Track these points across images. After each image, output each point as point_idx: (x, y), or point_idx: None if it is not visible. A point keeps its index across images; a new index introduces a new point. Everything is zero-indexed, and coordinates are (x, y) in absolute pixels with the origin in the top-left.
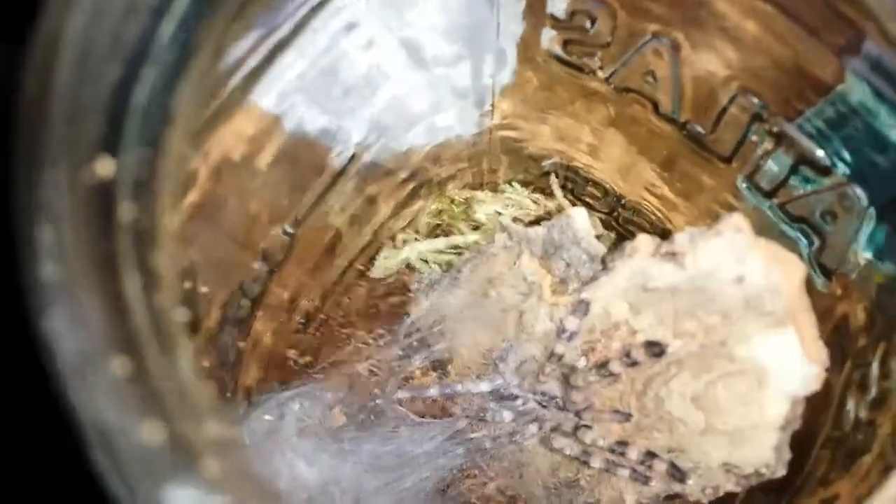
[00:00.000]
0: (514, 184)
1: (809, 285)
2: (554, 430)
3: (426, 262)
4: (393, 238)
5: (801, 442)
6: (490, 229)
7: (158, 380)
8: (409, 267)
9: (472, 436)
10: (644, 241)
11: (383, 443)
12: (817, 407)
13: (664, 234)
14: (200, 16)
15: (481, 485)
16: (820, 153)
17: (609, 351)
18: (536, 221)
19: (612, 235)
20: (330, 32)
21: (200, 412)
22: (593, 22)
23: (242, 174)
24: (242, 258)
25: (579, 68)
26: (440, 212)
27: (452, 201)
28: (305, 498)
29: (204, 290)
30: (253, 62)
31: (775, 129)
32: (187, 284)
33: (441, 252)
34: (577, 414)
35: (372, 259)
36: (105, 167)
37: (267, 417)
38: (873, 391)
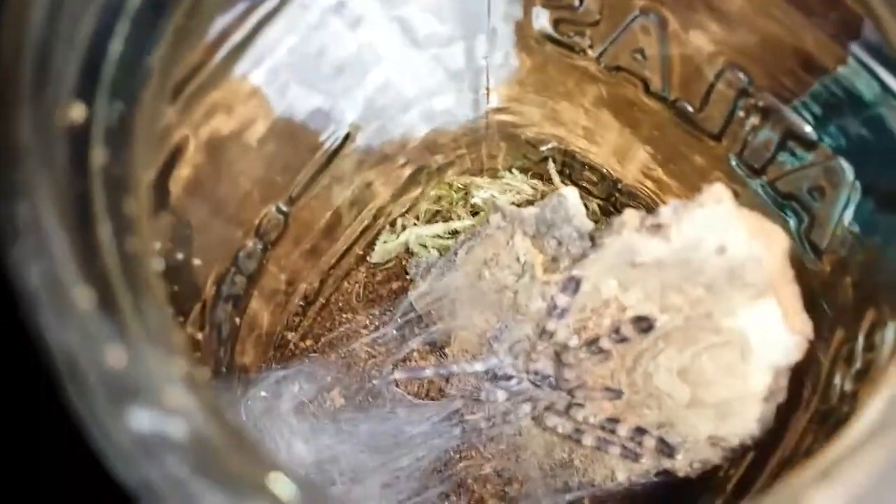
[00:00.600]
0: (513, 170)
1: (800, 262)
2: (547, 408)
3: (425, 246)
4: (392, 223)
5: (790, 415)
6: (488, 214)
7: (127, 314)
8: (408, 251)
9: (469, 417)
10: (631, 216)
11: (380, 423)
12: (807, 381)
13: None
14: None
15: (478, 466)
16: (806, 127)
17: (600, 328)
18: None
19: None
20: (320, 8)
21: (170, 349)
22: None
23: (234, 149)
24: (235, 233)
25: (570, 47)
26: (439, 198)
27: (451, 187)
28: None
29: (197, 262)
30: (239, 35)
31: (761, 104)
32: (179, 255)
33: (439, 237)
34: (570, 392)
35: (371, 244)
36: (78, 112)
37: (263, 394)
38: (858, 363)
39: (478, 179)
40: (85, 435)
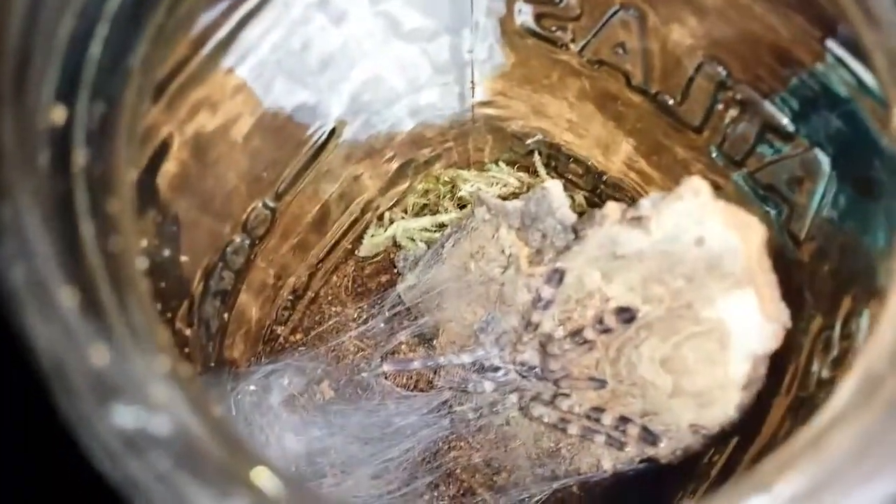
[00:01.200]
0: (500, 163)
1: (780, 252)
2: (534, 399)
3: (412, 239)
4: (380, 217)
5: (771, 402)
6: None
7: (110, 313)
8: (396, 244)
9: (457, 408)
10: (612, 208)
11: (369, 415)
12: (785, 370)
13: None
14: None
15: (466, 456)
16: (784, 119)
17: (584, 319)
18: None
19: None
20: (304, 4)
21: (153, 347)
22: None
23: (219, 145)
24: (222, 229)
25: (553, 42)
26: (427, 191)
27: (438, 180)
28: (293, 469)
29: (184, 258)
30: (222, 32)
31: (739, 97)
32: (167, 251)
33: (427, 230)
34: (556, 382)
35: (360, 237)
36: (59, 114)
37: (252, 388)
38: (835, 351)
39: (464, 172)
40: (72, 432)
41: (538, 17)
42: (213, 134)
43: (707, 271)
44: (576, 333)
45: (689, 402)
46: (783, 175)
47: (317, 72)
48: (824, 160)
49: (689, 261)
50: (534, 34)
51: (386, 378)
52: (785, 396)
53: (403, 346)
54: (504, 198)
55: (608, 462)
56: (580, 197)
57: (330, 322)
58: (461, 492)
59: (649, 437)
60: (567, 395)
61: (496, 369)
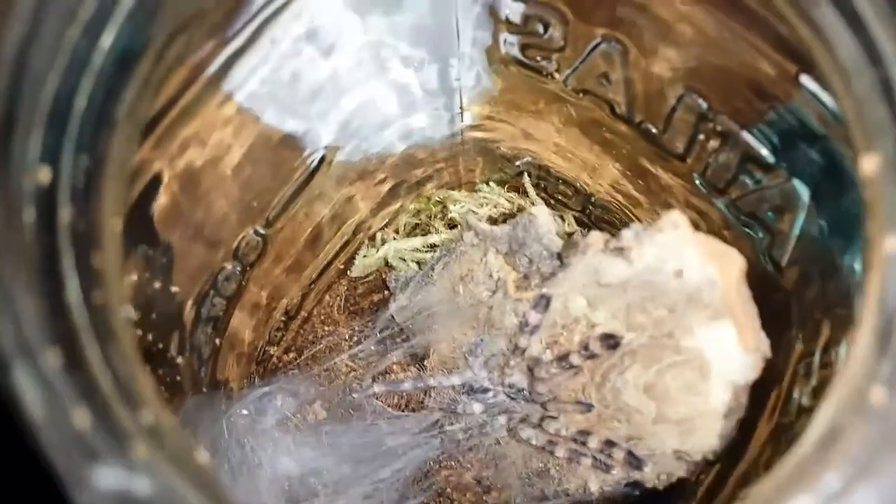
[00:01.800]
0: (490, 183)
1: (764, 280)
2: (522, 421)
3: (404, 259)
4: (372, 237)
5: (752, 429)
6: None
7: (94, 369)
8: (388, 265)
9: (447, 428)
10: (595, 238)
11: (361, 435)
12: (768, 396)
13: None
14: (140, 26)
15: (457, 475)
16: (763, 151)
17: (570, 344)
18: (510, 219)
19: (586, 232)
20: (291, 38)
21: (137, 400)
22: (546, 27)
23: (210, 178)
24: (213, 258)
25: (538, 71)
26: (419, 211)
27: (429, 200)
28: (286, 489)
29: (175, 288)
30: (212, 69)
31: (720, 129)
32: (157, 284)
33: (418, 250)
34: (543, 405)
35: (352, 258)
36: (44, 175)
37: (244, 412)
38: (814, 380)
39: (455, 193)
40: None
41: (523, 48)
42: (204, 167)
43: (687, 302)
44: (562, 358)
45: (673, 428)
46: (764, 204)
47: (306, 102)
48: (803, 191)
49: (670, 291)
50: (519, 63)
51: (377, 398)
52: (767, 422)
53: (395, 367)
54: (495, 218)
55: (595, 484)
56: (570, 216)
57: (323, 341)
58: None
59: (634, 461)
60: (555, 418)
61: (485, 391)
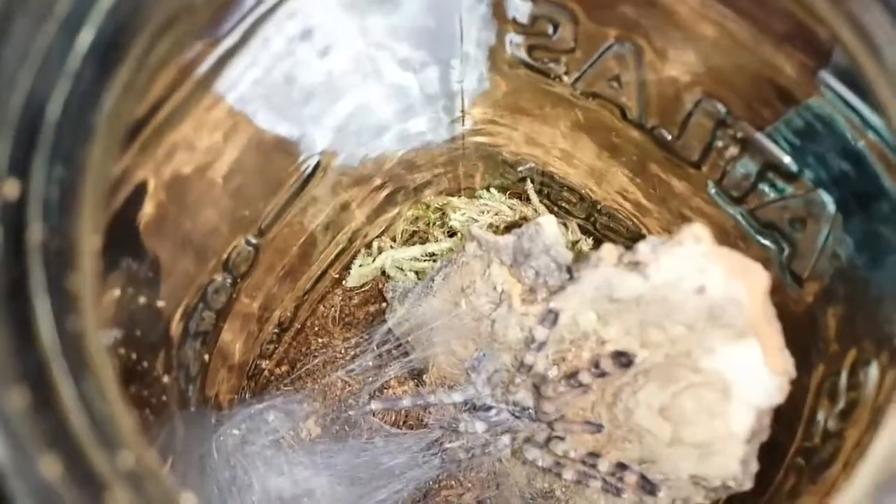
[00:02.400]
0: (491, 189)
1: (782, 292)
2: (527, 440)
3: (401, 269)
4: (369, 245)
5: (772, 453)
6: (465, 240)
7: (65, 409)
8: (384, 274)
9: (448, 446)
10: (608, 251)
11: (357, 454)
12: (789, 416)
13: (639, 239)
14: (123, 23)
15: (457, 495)
16: (787, 159)
17: (579, 361)
18: (512, 227)
19: (590, 241)
20: (285, 38)
21: (114, 441)
22: (556, 27)
23: (198, 186)
24: (202, 270)
25: (545, 73)
26: (417, 218)
27: (428, 207)
28: None
29: (161, 303)
30: (202, 70)
31: (740, 136)
32: (142, 299)
33: (416, 259)
34: (550, 425)
35: (347, 267)
36: (11, 188)
37: (235, 432)
38: (842, 402)
39: (455, 200)
40: None
41: (530, 49)
42: (193, 174)
43: (708, 320)
44: (571, 376)
45: (690, 452)
46: (785, 215)
47: (300, 105)
48: (829, 201)
49: (689, 308)
50: (525, 65)
51: (374, 415)
52: (789, 445)
53: (393, 382)
54: (496, 226)
55: None
56: (574, 224)
57: (317, 354)
58: None
59: (647, 485)
60: (562, 439)
61: (488, 409)
